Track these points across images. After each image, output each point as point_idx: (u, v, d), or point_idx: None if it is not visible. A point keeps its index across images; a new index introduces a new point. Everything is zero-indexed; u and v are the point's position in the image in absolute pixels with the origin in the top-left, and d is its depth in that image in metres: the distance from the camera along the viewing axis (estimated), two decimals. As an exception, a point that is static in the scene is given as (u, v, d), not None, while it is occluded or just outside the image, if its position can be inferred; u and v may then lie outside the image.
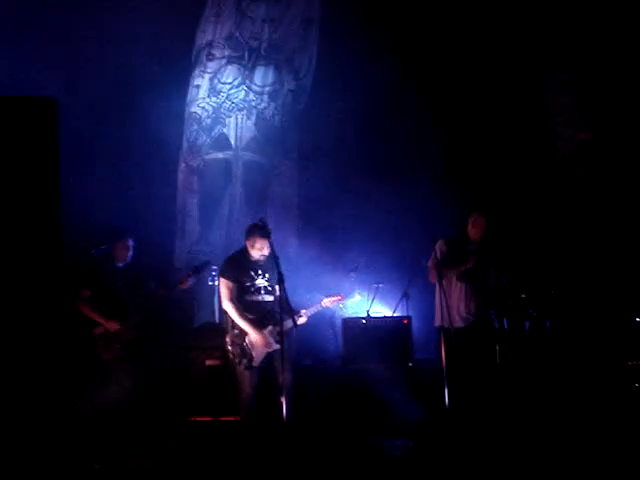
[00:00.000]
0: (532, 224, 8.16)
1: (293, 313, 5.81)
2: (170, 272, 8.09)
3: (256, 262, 6.06)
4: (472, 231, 6.48)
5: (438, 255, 6.23)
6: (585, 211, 8.27)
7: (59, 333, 6.14)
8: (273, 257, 5.75)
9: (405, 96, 8.67)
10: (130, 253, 6.53)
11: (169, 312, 7.17)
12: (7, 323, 5.19)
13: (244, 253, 6.10)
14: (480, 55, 8.55)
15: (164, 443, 6.16)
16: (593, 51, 8.33)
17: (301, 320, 6.01)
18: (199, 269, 6.67)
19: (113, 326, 6.28)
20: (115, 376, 6.23)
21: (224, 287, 6.05)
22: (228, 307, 6.01)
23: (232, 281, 6.01)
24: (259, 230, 5.96)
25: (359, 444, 6.24)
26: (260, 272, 6.05)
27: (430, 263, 6.33)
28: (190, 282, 6.55)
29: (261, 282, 6.05)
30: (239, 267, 6.06)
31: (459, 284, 6.37)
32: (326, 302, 6.23)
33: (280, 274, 5.59)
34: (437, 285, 6.26)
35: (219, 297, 6.28)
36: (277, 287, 5.66)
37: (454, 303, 6.33)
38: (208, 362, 7.05)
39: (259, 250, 5.99)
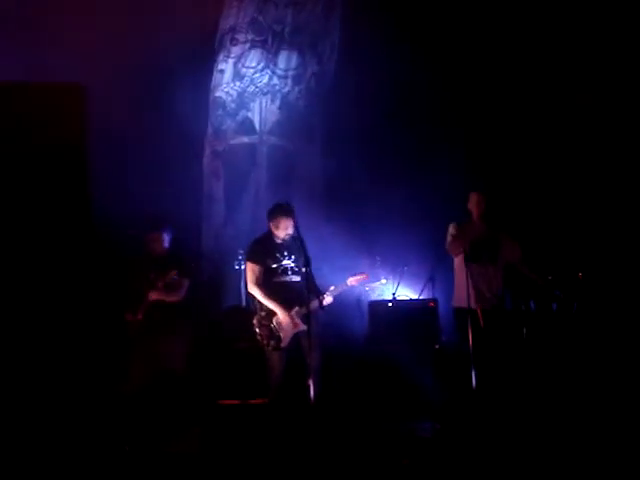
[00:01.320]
0: (560, 207, 8.10)
1: (319, 294, 5.86)
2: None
3: (282, 244, 6.06)
4: (473, 212, 6.40)
5: (448, 238, 6.26)
6: (613, 194, 8.19)
7: (97, 318, 6.19)
8: (298, 239, 5.77)
9: (429, 80, 8.61)
10: (164, 246, 6.28)
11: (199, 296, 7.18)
12: (47, 310, 5.26)
13: (269, 235, 6.10)
14: (503, 35, 8.48)
15: (193, 426, 6.17)
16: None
17: (327, 300, 6.00)
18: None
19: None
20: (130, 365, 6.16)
21: (250, 271, 6.06)
22: (254, 291, 6.03)
23: (258, 264, 6.02)
24: (281, 209, 5.98)
25: (386, 426, 6.25)
26: (286, 253, 6.05)
27: (447, 245, 6.33)
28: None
29: (288, 263, 6.05)
30: (265, 249, 6.06)
31: (471, 266, 6.26)
32: (351, 281, 6.19)
33: (306, 256, 5.61)
34: (455, 267, 6.27)
35: (245, 281, 6.29)
36: (304, 269, 5.69)
37: (469, 284, 6.26)
38: (236, 345, 7.10)
39: (284, 230, 5.98)
